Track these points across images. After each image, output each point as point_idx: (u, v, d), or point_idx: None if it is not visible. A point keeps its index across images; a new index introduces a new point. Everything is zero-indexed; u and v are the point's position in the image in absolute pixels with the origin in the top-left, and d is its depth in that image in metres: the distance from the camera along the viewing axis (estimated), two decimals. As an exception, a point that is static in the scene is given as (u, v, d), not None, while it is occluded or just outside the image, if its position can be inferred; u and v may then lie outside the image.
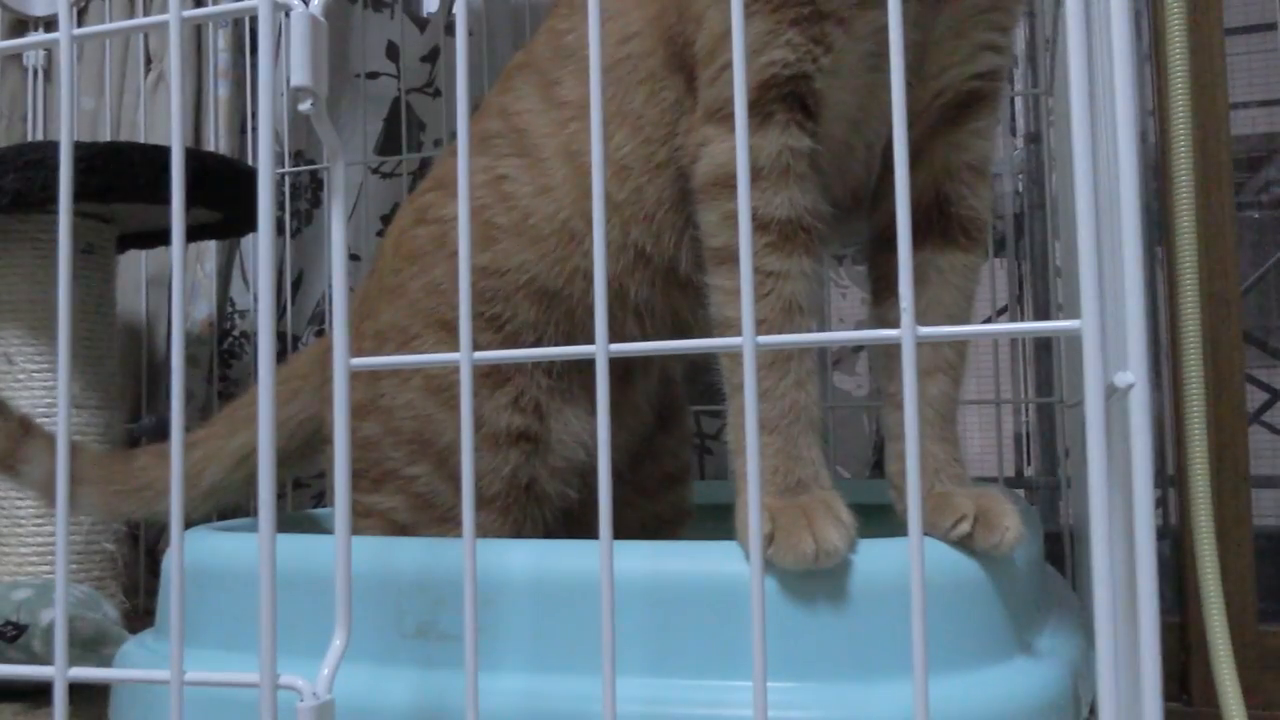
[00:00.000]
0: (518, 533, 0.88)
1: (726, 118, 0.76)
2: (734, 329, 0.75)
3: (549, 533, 0.91)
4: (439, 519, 0.89)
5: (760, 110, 0.74)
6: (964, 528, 0.69)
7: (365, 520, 0.90)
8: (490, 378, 0.87)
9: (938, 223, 0.80)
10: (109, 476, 1.04)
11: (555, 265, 0.88)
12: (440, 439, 0.89)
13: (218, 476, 1.02)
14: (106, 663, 1.08)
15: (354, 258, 1.82)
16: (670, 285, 0.88)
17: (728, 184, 0.75)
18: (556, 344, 0.88)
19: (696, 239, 0.82)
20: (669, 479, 1.07)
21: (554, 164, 0.87)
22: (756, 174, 0.72)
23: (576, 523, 0.93)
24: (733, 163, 0.74)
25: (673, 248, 0.86)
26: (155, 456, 1.05)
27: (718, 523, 0.75)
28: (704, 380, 1.05)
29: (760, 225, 0.73)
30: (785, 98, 0.74)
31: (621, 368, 0.91)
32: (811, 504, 0.68)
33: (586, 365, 0.89)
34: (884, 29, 0.74)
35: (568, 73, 0.88)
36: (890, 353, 0.79)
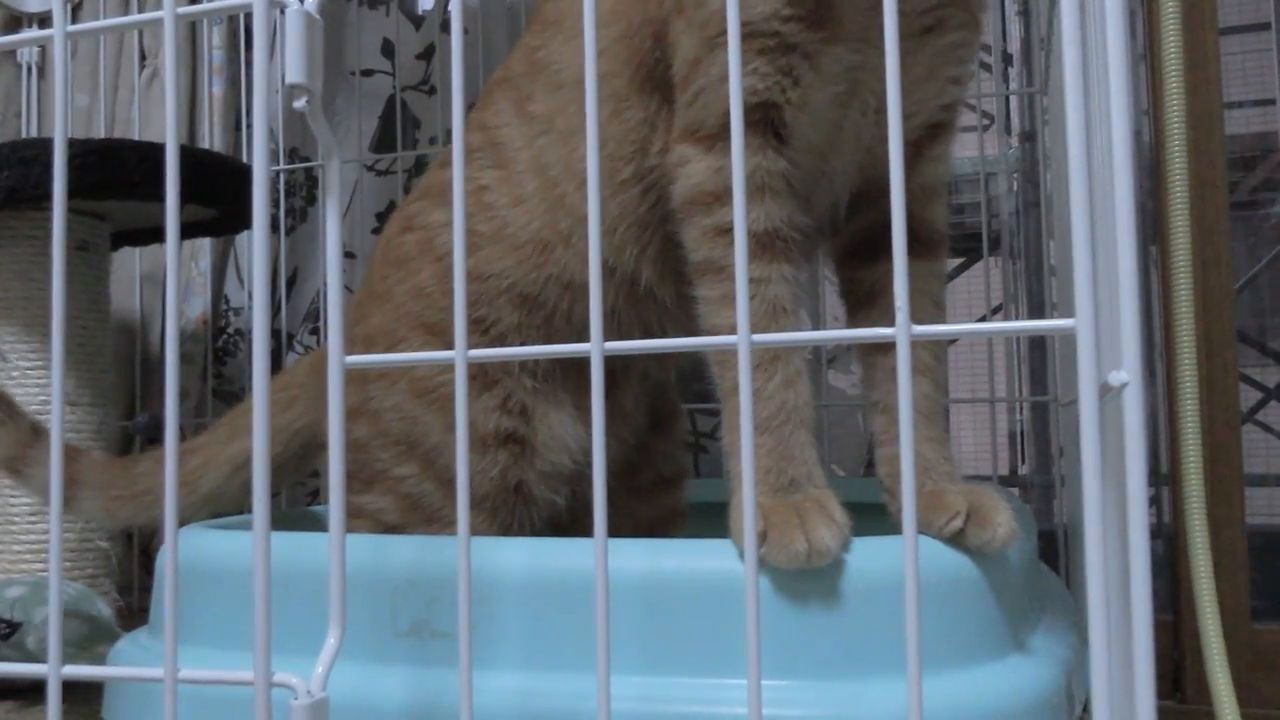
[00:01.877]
0: (506, 534, 0.89)
1: (704, 138, 0.78)
2: (721, 335, 0.76)
3: (537, 534, 0.91)
4: (427, 519, 0.90)
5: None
6: (956, 524, 0.70)
7: (356, 520, 0.91)
8: (478, 380, 0.88)
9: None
10: (110, 481, 1.05)
11: (532, 272, 0.89)
12: (426, 440, 0.90)
13: (215, 483, 1.03)
14: (100, 661, 1.07)
15: (349, 255, 1.81)
16: (633, 298, 0.89)
17: (704, 201, 0.77)
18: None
19: (658, 256, 0.85)
20: (663, 482, 1.08)
21: (526, 176, 0.90)
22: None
23: (566, 531, 0.94)
24: (708, 181, 0.77)
25: (633, 262, 0.87)
26: (155, 462, 1.06)
27: (713, 521, 0.75)
28: (699, 381, 1.05)
29: None
30: (756, 123, 0.76)
31: (605, 374, 0.92)
32: (805, 503, 0.69)
33: (571, 369, 0.90)
34: (853, 69, 0.77)
35: (539, 87, 0.90)
36: (874, 361, 0.80)
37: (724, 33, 0.74)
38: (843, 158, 0.82)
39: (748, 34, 0.74)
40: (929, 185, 0.83)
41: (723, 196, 0.76)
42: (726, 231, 0.76)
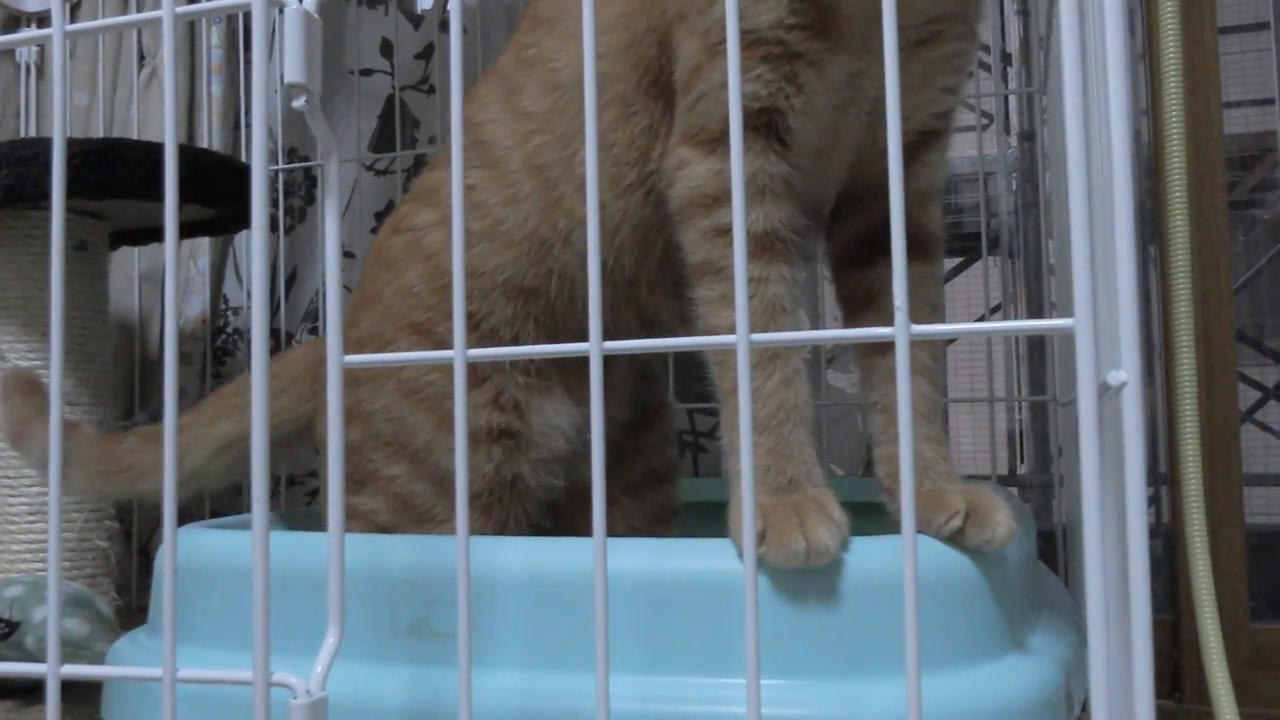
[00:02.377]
0: (501, 530, 0.89)
1: (704, 142, 0.78)
2: (720, 335, 0.76)
3: (533, 527, 0.92)
4: (418, 519, 0.90)
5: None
6: (955, 523, 0.70)
7: (349, 521, 0.91)
8: (468, 377, 0.88)
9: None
10: (97, 457, 1.06)
11: (530, 268, 0.90)
12: (415, 440, 0.90)
13: (197, 463, 1.03)
14: (99, 660, 1.07)
15: (348, 254, 1.81)
16: (632, 294, 0.90)
17: (702, 204, 0.78)
18: (536, 339, 0.90)
19: (659, 260, 0.86)
20: (654, 476, 1.08)
21: (520, 176, 0.90)
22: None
23: (562, 516, 0.94)
24: (708, 183, 0.77)
25: (633, 267, 0.88)
26: (142, 439, 1.07)
27: (712, 521, 0.75)
28: (699, 381, 1.05)
29: None
30: (760, 128, 0.76)
31: None
32: (803, 502, 0.69)
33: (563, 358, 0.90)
34: (856, 75, 0.77)
35: (530, 83, 0.90)
36: (872, 362, 0.80)
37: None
38: (836, 160, 0.83)
39: (753, 41, 0.75)
40: (923, 190, 0.84)
41: (721, 198, 0.76)
42: (725, 232, 0.76)
